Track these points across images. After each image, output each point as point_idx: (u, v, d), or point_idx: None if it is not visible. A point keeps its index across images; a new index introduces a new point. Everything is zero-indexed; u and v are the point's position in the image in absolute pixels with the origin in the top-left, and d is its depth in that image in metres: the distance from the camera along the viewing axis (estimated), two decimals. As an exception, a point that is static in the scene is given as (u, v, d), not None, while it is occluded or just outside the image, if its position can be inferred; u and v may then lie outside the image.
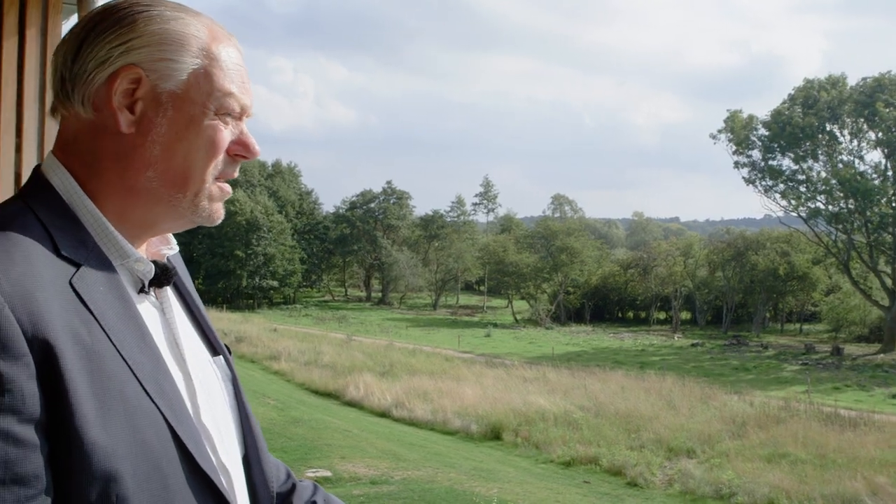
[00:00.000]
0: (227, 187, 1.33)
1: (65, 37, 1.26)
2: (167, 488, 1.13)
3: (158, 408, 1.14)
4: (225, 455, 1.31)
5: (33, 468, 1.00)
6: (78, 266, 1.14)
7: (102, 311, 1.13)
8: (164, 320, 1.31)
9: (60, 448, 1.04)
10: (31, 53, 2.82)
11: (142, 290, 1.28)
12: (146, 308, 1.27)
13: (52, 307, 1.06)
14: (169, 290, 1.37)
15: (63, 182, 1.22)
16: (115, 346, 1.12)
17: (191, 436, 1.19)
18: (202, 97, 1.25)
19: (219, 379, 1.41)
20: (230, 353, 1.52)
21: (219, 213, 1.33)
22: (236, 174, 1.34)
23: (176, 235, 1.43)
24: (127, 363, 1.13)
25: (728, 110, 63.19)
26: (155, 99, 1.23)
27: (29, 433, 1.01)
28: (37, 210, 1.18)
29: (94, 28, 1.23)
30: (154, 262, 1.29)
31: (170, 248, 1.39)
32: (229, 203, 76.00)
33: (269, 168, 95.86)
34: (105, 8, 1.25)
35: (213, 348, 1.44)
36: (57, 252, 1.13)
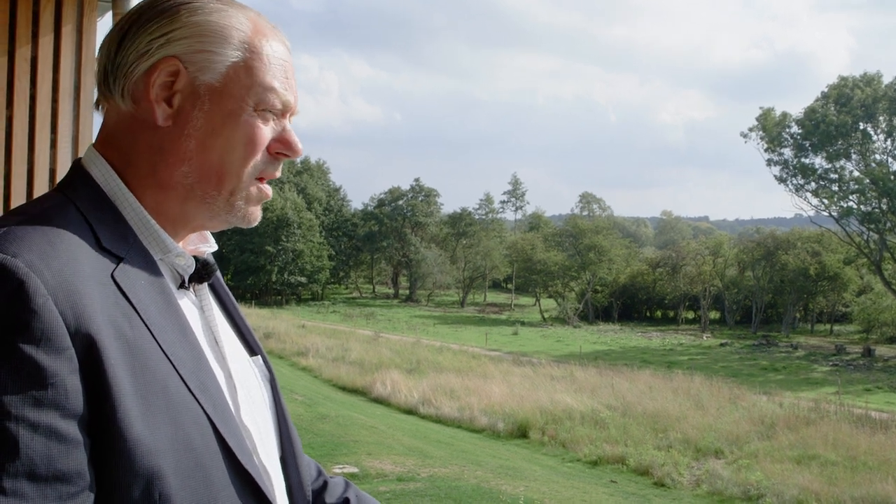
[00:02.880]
0: (267, 189, 1.30)
1: (111, 29, 1.25)
2: (210, 486, 1.12)
3: (201, 405, 1.13)
4: (265, 455, 1.30)
5: (76, 465, 0.98)
6: (119, 259, 1.12)
7: (144, 306, 1.11)
8: (204, 318, 1.29)
9: (103, 444, 1.02)
10: (66, 50, 2.85)
11: (181, 286, 1.26)
12: (186, 305, 1.25)
13: (95, 301, 1.04)
14: (206, 289, 1.35)
15: (104, 175, 1.20)
16: (157, 341, 1.10)
17: (233, 434, 1.17)
18: (241, 91, 1.22)
19: (258, 379, 1.38)
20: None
21: (255, 215, 1.30)
22: (278, 174, 1.31)
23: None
24: (169, 359, 1.11)
25: (760, 108, 62.68)
26: (193, 92, 1.20)
27: (72, 429, 0.99)
28: (77, 203, 1.16)
29: (138, 19, 1.21)
30: (197, 258, 1.28)
31: (209, 246, 1.36)
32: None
33: (298, 165, 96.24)
34: (151, 0, 1.23)
35: (251, 348, 1.42)
36: (99, 245, 1.12)
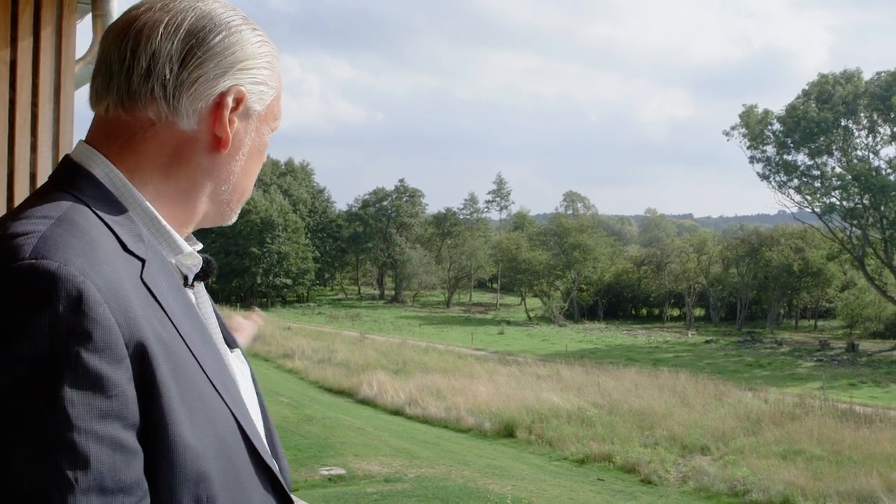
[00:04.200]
0: None
1: (152, 32, 1.19)
2: (242, 485, 1.13)
3: (227, 404, 1.14)
4: (264, 449, 1.29)
5: (136, 475, 0.98)
6: (143, 262, 1.11)
7: (172, 308, 1.11)
8: (198, 313, 1.27)
9: (155, 451, 1.01)
10: (45, 54, 2.83)
11: (186, 284, 1.26)
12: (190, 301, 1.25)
13: (137, 306, 1.03)
14: (202, 287, 1.35)
15: (109, 175, 1.18)
16: (186, 343, 1.10)
17: (254, 431, 1.19)
18: (272, 119, 1.31)
19: (241, 372, 1.39)
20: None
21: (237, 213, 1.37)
22: None
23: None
24: (197, 360, 1.11)
25: (743, 105, 62.95)
26: (246, 119, 1.25)
27: (131, 439, 0.98)
28: (91, 204, 1.13)
29: (204, 39, 1.19)
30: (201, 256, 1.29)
31: (196, 244, 1.34)
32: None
33: (282, 166, 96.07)
34: (204, 18, 1.21)
35: (230, 342, 1.42)
36: (124, 248, 1.10)
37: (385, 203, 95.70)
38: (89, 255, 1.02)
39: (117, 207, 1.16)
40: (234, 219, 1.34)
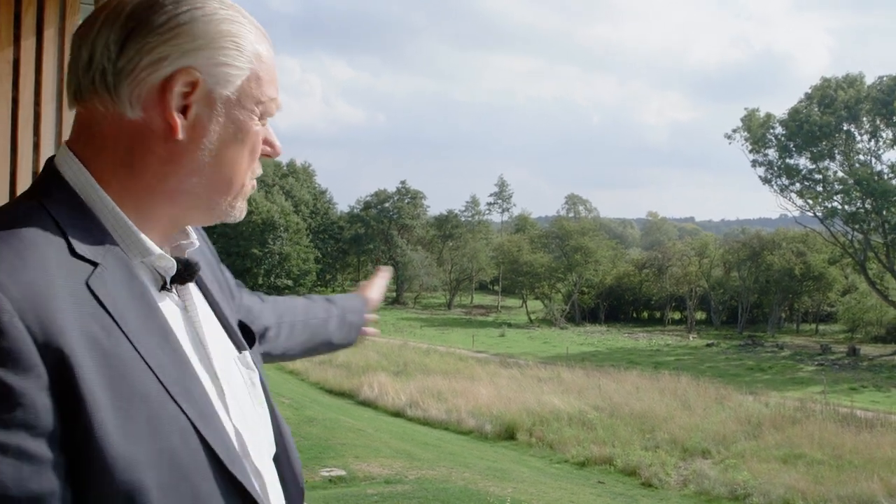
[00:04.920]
0: (253, 184, 1.30)
1: (96, 22, 1.18)
2: (198, 497, 1.08)
3: (185, 412, 1.09)
4: (258, 456, 1.26)
5: (49, 485, 0.96)
6: (95, 265, 1.08)
7: (122, 313, 1.07)
8: (188, 318, 1.25)
9: (79, 461, 0.99)
10: (48, 53, 2.83)
11: (163, 288, 1.22)
12: (168, 306, 1.21)
13: (67, 312, 1.01)
14: (192, 287, 1.31)
15: (77, 176, 1.16)
16: (136, 349, 1.07)
17: (221, 440, 1.13)
18: (252, 103, 1.21)
19: (244, 376, 1.34)
20: (254, 343, 1.45)
21: (243, 209, 1.29)
22: (260, 171, 1.30)
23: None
24: (150, 367, 1.07)
25: (745, 109, 62.97)
26: (209, 104, 1.18)
27: (42, 448, 0.96)
28: (50, 207, 1.11)
29: (146, 21, 1.15)
30: (176, 258, 1.24)
31: (189, 243, 1.32)
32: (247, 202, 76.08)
33: (284, 168, 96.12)
34: (156, 2, 1.17)
35: (238, 344, 1.37)
36: (72, 251, 1.08)
37: (387, 205, 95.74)
38: (14, 263, 1.00)
39: (80, 209, 1.14)
40: (234, 214, 1.27)
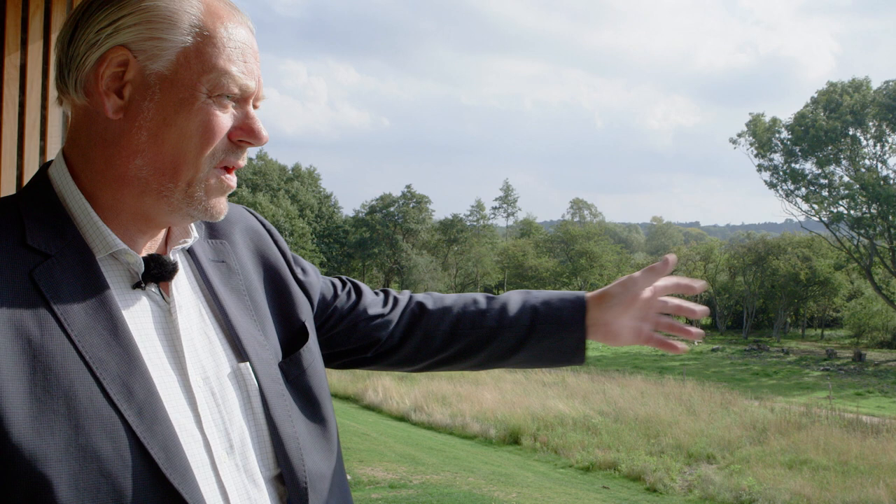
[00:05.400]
0: (231, 179, 1.24)
1: (65, 22, 1.21)
2: (121, 498, 1.04)
3: (119, 411, 1.06)
4: (231, 469, 1.21)
5: None
6: (46, 257, 1.09)
7: (66, 305, 1.07)
8: (168, 320, 1.22)
9: None
10: (55, 58, 2.85)
11: (137, 286, 1.20)
12: (141, 305, 1.20)
13: None
14: (188, 287, 1.29)
15: (58, 173, 1.18)
16: (74, 343, 1.05)
17: (163, 445, 1.09)
18: (193, 78, 1.17)
19: (238, 388, 1.29)
20: (283, 357, 1.39)
21: (219, 207, 1.24)
22: (243, 163, 1.24)
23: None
24: (86, 361, 1.06)
25: (750, 113, 62.88)
26: (143, 81, 1.16)
27: None
28: (22, 202, 1.14)
29: (88, 9, 1.17)
30: (151, 256, 1.22)
31: (185, 242, 1.30)
32: (252, 207, 76.64)
33: (289, 172, 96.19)
34: None
35: (241, 354, 1.32)
36: (23, 243, 1.09)
37: (392, 209, 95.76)
38: None
39: (50, 205, 1.16)
40: (203, 208, 1.22)
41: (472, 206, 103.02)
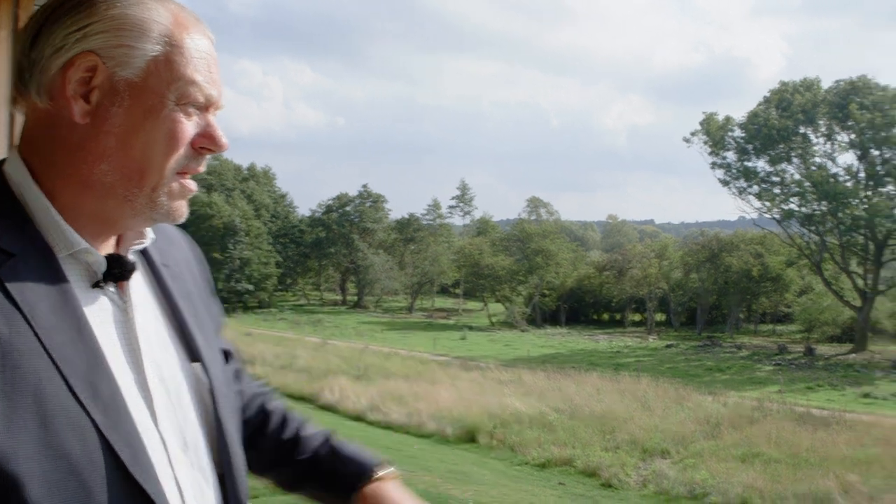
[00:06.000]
0: (191, 184, 1.26)
1: (26, 25, 1.21)
2: (90, 496, 1.06)
3: (86, 409, 1.07)
4: (185, 468, 1.24)
5: None
6: (10, 256, 1.09)
7: (32, 304, 1.07)
8: (125, 319, 1.23)
9: None
10: (1, 56, 2.81)
11: (97, 285, 1.21)
12: (101, 304, 1.21)
13: None
14: (142, 288, 1.31)
15: (16, 172, 1.18)
16: (41, 341, 1.06)
17: (129, 444, 1.11)
18: (161, 86, 1.18)
19: (191, 387, 1.32)
20: (229, 358, 1.45)
21: (180, 211, 1.26)
22: (202, 169, 1.27)
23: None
24: (53, 360, 1.06)
25: (704, 113, 63.57)
26: (112, 88, 1.17)
27: None
28: None
29: (53, 13, 1.18)
30: (112, 255, 1.23)
31: (140, 243, 1.32)
32: (207, 207, 76.24)
33: (245, 171, 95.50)
34: None
35: (194, 355, 1.35)
36: None
37: (348, 208, 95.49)
38: None
39: (10, 204, 1.16)
40: (166, 212, 1.24)
41: (429, 206, 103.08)
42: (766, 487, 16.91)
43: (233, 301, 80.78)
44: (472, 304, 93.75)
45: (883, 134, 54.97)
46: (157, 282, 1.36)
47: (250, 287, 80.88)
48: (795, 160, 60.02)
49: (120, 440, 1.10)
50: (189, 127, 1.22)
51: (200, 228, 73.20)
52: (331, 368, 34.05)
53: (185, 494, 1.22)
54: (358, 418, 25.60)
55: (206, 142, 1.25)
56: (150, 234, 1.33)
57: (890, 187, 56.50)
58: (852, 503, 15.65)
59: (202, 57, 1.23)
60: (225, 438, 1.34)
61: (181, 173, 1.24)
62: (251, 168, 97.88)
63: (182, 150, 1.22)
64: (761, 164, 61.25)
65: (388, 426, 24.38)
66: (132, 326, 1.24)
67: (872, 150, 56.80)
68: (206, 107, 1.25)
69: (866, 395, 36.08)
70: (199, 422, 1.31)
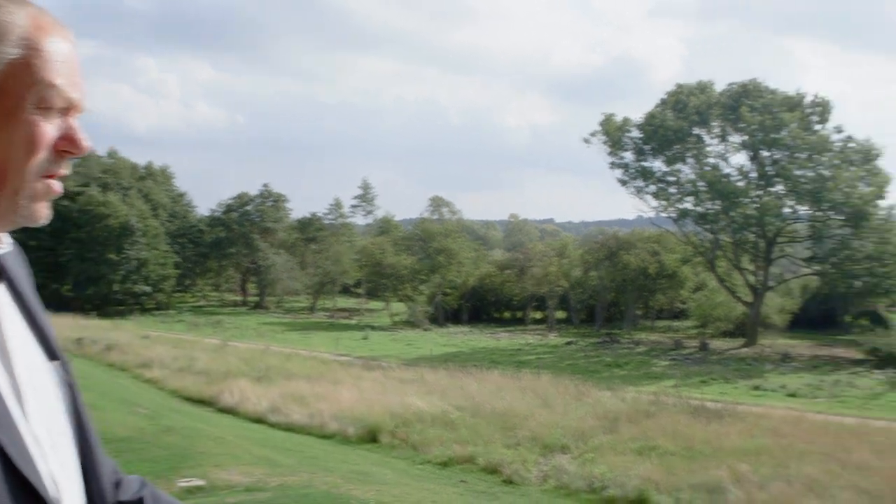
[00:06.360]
0: (56, 185, 1.26)
1: None
2: None
3: None
4: (59, 464, 1.26)
5: None
6: None
7: None
8: None
9: None
10: None
11: None
12: None
13: None
14: (3, 289, 1.31)
15: None
16: None
17: (13, 442, 1.13)
18: (21, 89, 1.18)
19: (54, 385, 1.33)
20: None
21: (42, 213, 1.26)
22: (66, 171, 1.27)
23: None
24: None
25: (603, 113, 64.74)
26: None
27: None
28: None
29: None
30: None
31: (2, 248, 1.32)
32: (102, 206, 74.34)
33: (142, 170, 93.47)
34: None
35: (52, 353, 1.37)
36: None
37: (248, 208, 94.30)
38: None
39: None
40: (27, 215, 1.24)
41: (331, 205, 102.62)
42: (662, 479, 17.28)
43: (130, 303, 78.97)
44: (374, 304, 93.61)
45: (772, 136, 56.83)
46: (16, 283, 1.37)
47: (147, 289, 79.18)
48: (690, 160, 61.57)
49: (7, 439, 1.12)
50: (49, 130, 1.22)
51: (95, 228, 71.38)
52: (231, 370, 33.55)
53: (60, 487, 1.24)
54: (259, 420, 25.29)
55: (67, 145, 1.25)
56: (7, 237, 1.33)
57: (779, 187, 58.44)
58: (743, 492, 16.10)
59: (63, 60, 1.23)
60: (85, 432, 1.38)
61: (45, 176, 1.24)
62: (148, 167, 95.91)
63: (43, 154, 1.21)
64: (658, 164, 62.71)
65: (289, 428, 24.14)
66: (2, 329, 1.25)
67: (763, 151, 58.69)
68: (67, 110, 1.25)
69: (757, 388, 37.34)
70: (64, 420, 1.33)
